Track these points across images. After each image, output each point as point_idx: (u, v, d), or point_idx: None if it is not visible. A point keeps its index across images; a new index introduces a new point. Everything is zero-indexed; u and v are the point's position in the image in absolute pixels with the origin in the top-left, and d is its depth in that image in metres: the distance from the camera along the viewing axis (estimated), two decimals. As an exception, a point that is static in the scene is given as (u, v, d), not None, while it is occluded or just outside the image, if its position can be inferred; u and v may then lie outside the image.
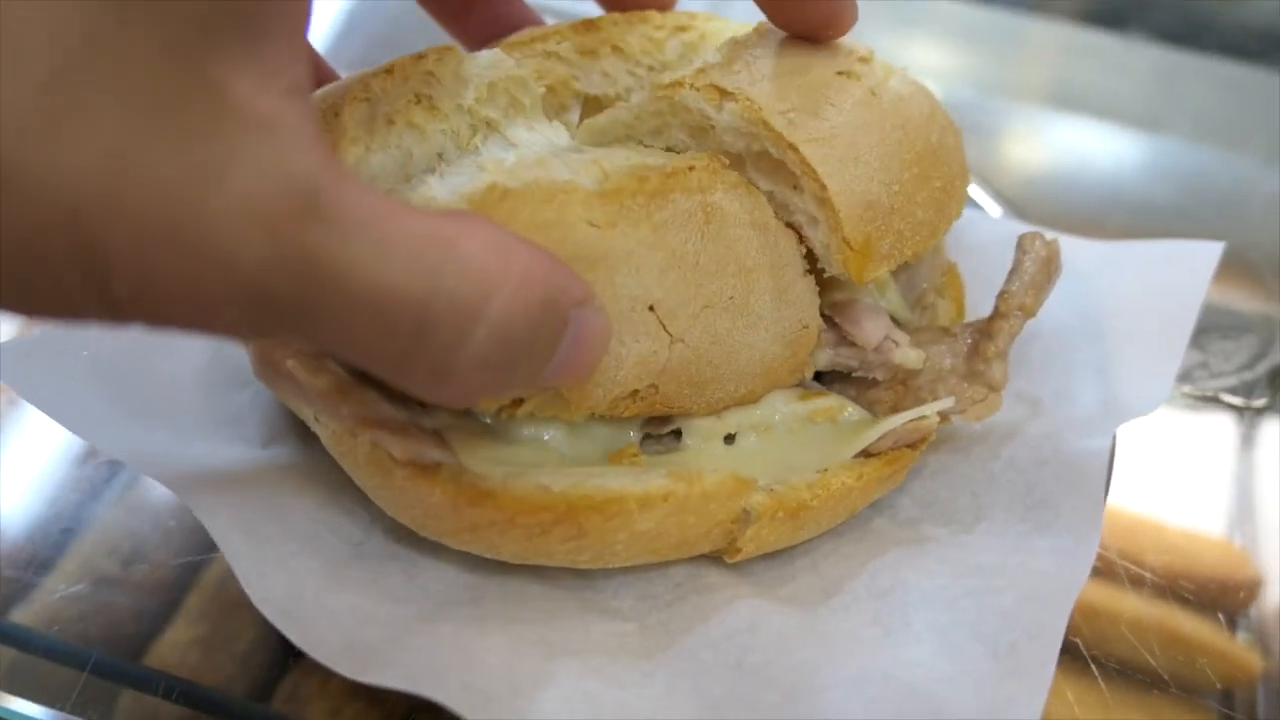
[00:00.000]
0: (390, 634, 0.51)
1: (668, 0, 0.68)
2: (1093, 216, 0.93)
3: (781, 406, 0.60)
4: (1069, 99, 1.13)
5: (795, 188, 0.56)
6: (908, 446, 0.60)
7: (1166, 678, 0.61)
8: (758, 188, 0.57)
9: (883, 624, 0.55)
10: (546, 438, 0.56)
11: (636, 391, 0.52)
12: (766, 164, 0.57)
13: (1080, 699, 0.60)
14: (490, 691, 0.48)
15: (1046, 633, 0.52)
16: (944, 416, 0.60)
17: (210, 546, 0.59)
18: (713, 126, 0.57)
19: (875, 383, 0.62)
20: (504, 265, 0.39)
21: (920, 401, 0.61)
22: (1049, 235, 0.61)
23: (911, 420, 0.59)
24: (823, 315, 0.62)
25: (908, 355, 0.60)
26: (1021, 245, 0.60)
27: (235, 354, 0.63)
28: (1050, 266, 0.60)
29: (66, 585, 0.61)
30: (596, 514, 0.51)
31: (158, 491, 0.63)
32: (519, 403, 0.51)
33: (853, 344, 0.61)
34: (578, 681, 0.51)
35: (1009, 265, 0.63)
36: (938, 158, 0.60)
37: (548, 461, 0.54)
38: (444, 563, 0.57)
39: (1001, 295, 0.60)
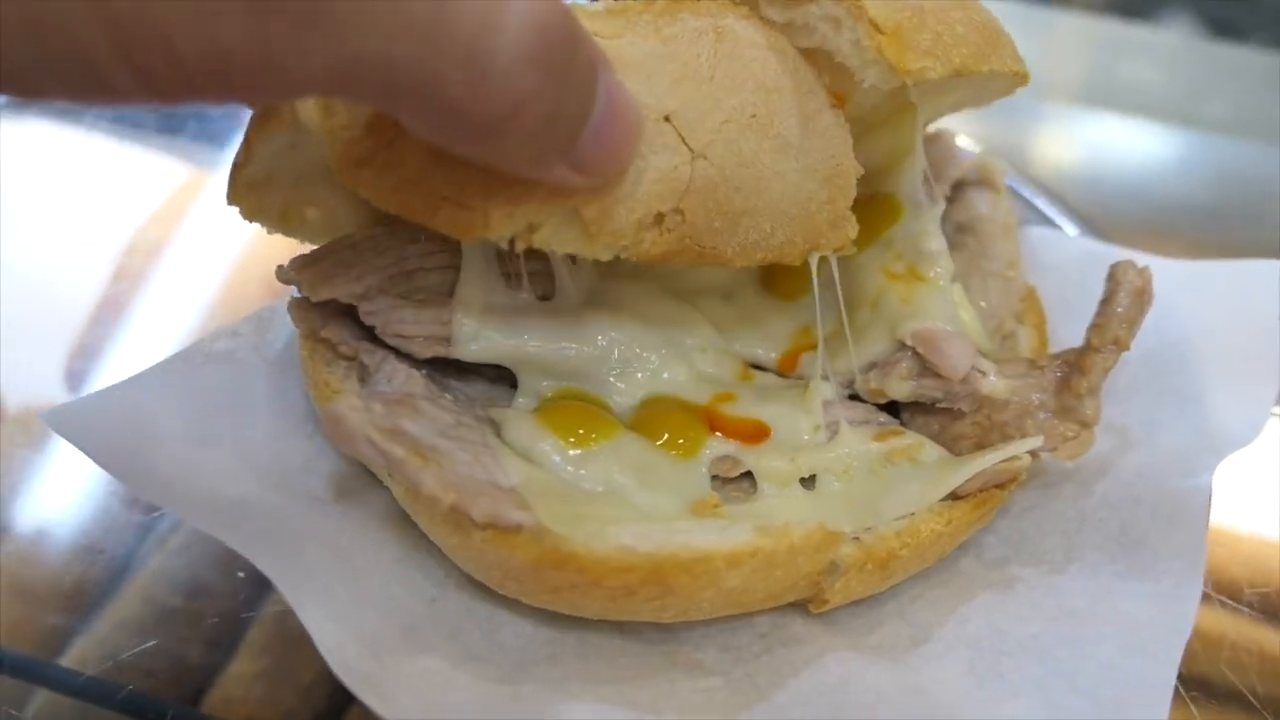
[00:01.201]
0: (471, 699, 0.50)
1: None
2: (1119, 213, 0.90)
3: (856, 446, 0.58)
4: (1099, 92, 1.10)
5: (809, 1, 0.54)
6: (996, 487, 0.58)
7: (1264, 699, 0.59)
8: (770, 22, 0.55)
9: (977, 674, 0.53)
10: (617, 486, 0.54)
11: (662, 216, 0.48)
12: None
13: None
14: (579, 760, 0.47)
15: (1154, 688, 0.50)
16: (1033, 454, 0.58)
17: (269, 583, 0.59)
18: None
19: (959, 416, 0.60)
20: None
21: (1006, 438, 0.58)
22: (1140, 263, 0.58)
23: (1002, 460, 0.56)
24: (904, 345, 0.60)
25: (996, 386, 0.58)
26: (1114, 276, 0.58)
27: (302, 402, 0.62)
28: (1143, 298, 0.57)
29: (128, 623, 0.61)
30: (684, 574, 0.50)
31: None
32: (534, 229, 0.48)
33: (937, 375, 0.59)
34: None
35: (1089, 288, 0.60)
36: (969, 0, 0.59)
37: (626, 516, 0.52)
38: (521, 616, 0.55)
39: (1094, 328, 0.57)
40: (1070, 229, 0.84)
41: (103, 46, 0.33)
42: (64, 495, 0.68)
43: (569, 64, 0.40)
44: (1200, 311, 0.67)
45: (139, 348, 0.78)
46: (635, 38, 0.49)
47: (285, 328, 0.66)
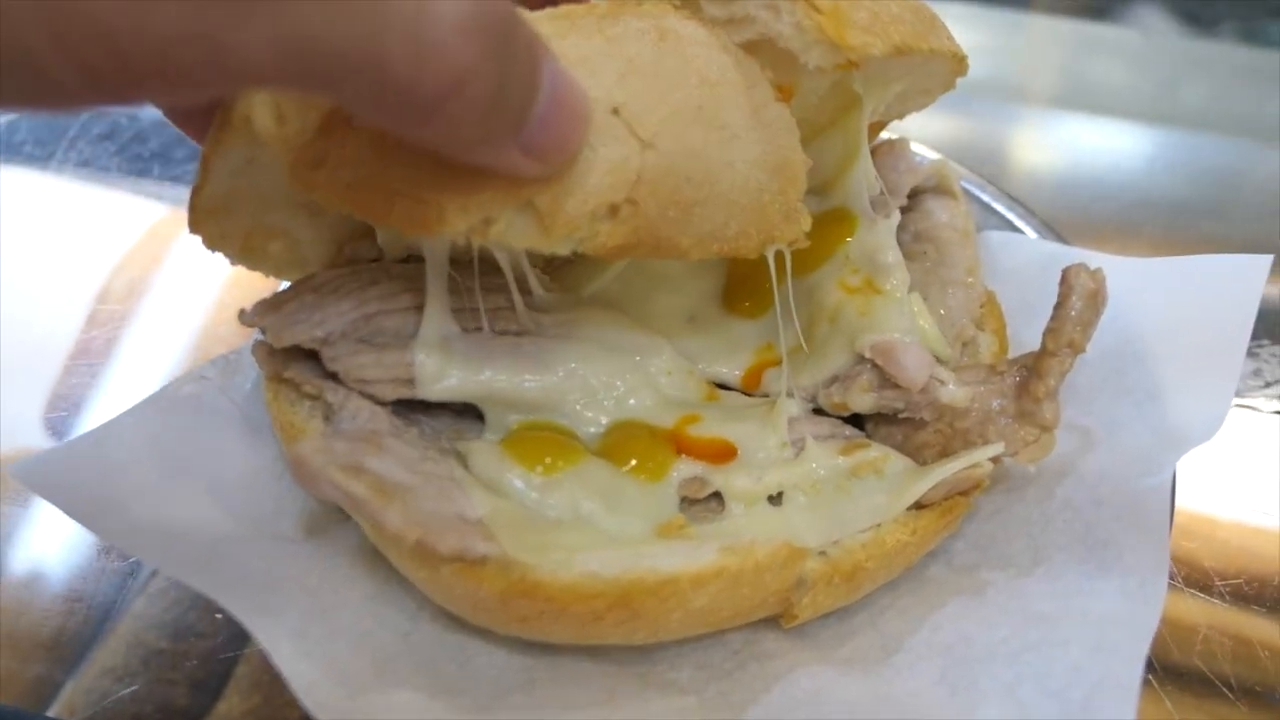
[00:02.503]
0: None
1: None
2: (1096, 212, 0.91)
3: (824, 460, 0.59)
4: (1073, 94, 1.11)
5: None
6: (960, 494, 0.59)
7: (1235, 682, 0.60)
8: (713, 20, 0.56)
9: (949, 682, 0.54)
10: (583, 512, 0.55)
11: (616, 207, 0.49)
12: None
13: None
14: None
15: (1121, 685, 0.50)
16: (996, 460, 0.59)
17: None
18: None
19: (922, 425, 0.61)
20: None
21: (969, 444, 0.59)
22: (1093, 264, 0.59)
23: (963, 468, 0.57)
24: (863, 358, 0.61)
25: (955, 394, 0.59)
26: (1066, 279, 0.58)
27: (271, 442, 0.63)
28: (1097, 299, 0.58)
29: (114, 667, 0.61)
30: (650, 597, 0.50)
31: None
32: (489, 222, 0.48)
33: (896, 386, 0.60)
34: None
35: (1048, 290, 0.61)
36: None
37: (593, 541, 0.53)
38: (495, 646, 0.56)
39: (1049, 332, 0.58)
40: (1029, 232, 0.85)
41: (47, 46, 0.34)
42: (45, 544, 0.68)
43: (509, 40, 0.41)
44: (1159, 309, 0.68)
45: (117, 394, 0.79)
46: (579, 38, 0.50)
47: (253, 369, 0.66)
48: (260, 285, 0.76)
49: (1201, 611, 0.64)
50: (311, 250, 0.63)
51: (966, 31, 0.65)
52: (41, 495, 0.55)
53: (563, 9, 0.53)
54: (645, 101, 0.50)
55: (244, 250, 0.61)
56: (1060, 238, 0.84)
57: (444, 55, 0.38)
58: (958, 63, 0.63)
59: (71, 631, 0.63)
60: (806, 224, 0.55)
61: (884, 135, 0.75)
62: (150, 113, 0.99)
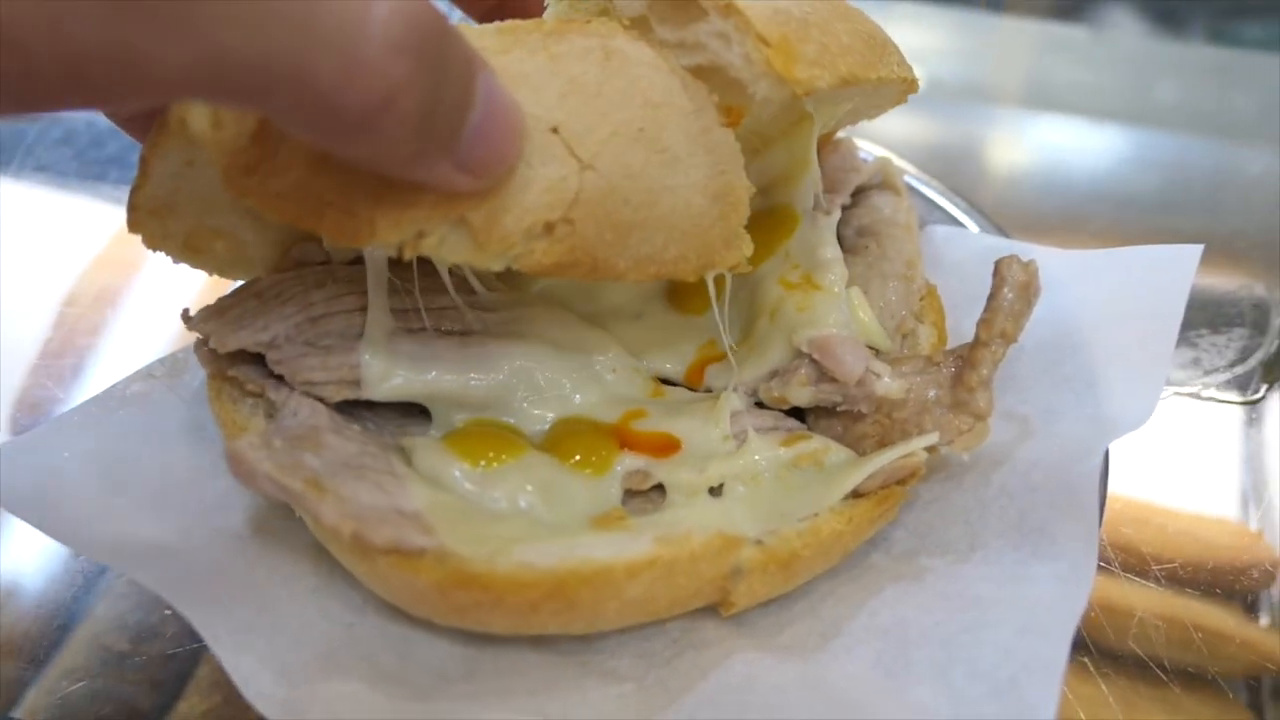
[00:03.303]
0: (388, 716, 0.51)
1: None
2: (1076, 215, 0.92)
3: (765, 453, 0.60)
4: (1046, 95, 1.12)
5: (698, 19, 0.56)
6: (897, 483, 0.60)
7: (1187, 668, 0.61)
8: (663, 42, 0.57)
9: (884, 665, 0.55)
10: (524, 505, 0.55)
11: (551, 225, 0.49)
12: (667, 8, 0.57)
13: (1090, 701, 0.59)
14: (490, 773, 0.48)
15: (1047, 665, 0.51)
16: (931, 449, 0.60)
17: None
18: (611, 1, 0.57)
19: (860, 417, 0.62)
20: None
21: (906, 434, 0.60)
22: (1026, 256, 0.60)
23: (899, 458, 0.58)
24: (801, 353, 0.62)
25: (890, 387, 0.60)
26: (999, 271, 0.59)
27: (219, 440, 0.63)
28: (1029, 291, 0.59)
29: (75, 671, 0.61)
30: (584, 587, 0.51)
31: None
32: (422, 236, 0.48)
33: (834, 379, 0.61)
34: None
35: (988, 279, 0.62)
36: (848, 9, 0.61)
37: (531, 533, 0.54)
38: (437, 638, 0.56)
39: (981, 323, 0.59)
40: (973, 226, 0.86)
41: None
42: (8, 546, 0.69)
43: (441, 56, 0.41)
44: (1094, 299, 0.69)
45: (82, 395, 0.79)
46: (523, 54, 0.51)
47: (199, 367, 0.67)
48: (224, 287, 0.76)
49: (1138, 596, 0.66)
50: (256, 250, 0.63)
51: (935, 33, 0.66)
52: None
53: (509, 24, 0.53)
54: (586, 121, 0.50)
55: (186, 249, 0.61)
56: (1003, 232, 0.85)
57: (372, 71, 0.38)
58: (907, 85, 0.64)
59: (34, 634, 0.63)
60: (748, 250, 0.56)
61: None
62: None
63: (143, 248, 0.59)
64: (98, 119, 1.02)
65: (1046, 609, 0.54)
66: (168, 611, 0.63)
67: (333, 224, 0.48)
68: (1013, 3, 1.27)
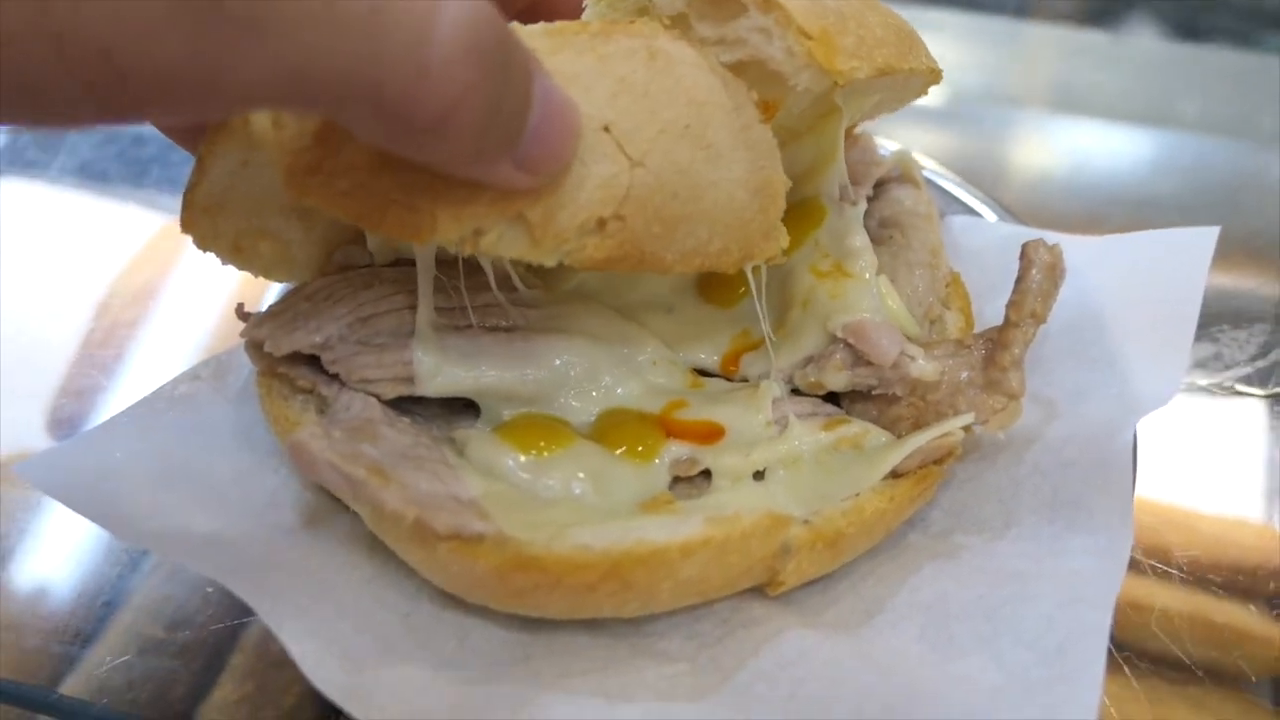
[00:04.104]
0: (450, 700, 0.52)
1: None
2: (1097, 216, 0.94)
3: (806, 437, 0.61)
4: (1070, 100, 1.14)
5: (737, 15, 0.58)
6: (934, 463, 0.61)
7: (1210, 668, 0.62)
8: (704, 39, 0.58)
9: (929, 639, 0.56)
10: (577, 492, 0.57)
11: (604, 222, 0.51)
12: (706, 5, 0.58)
13: (1117, 697, 0.60)
14: (559, 749, 0.49)
15: (1092, 632, 0.53)
16: (966, 429, 0.61)
17: (248, 608, 0.62)
18: (651, 1, 0.59)
19: (895, 400, 0.63)
20: None
21: (941, 416, 0.62)
22: (1050, 240, 0.62)
23: (935, 438, 0.60)
24: (836, 338, 0.63)
25: (924, 368, 0.61)
26: (1025, 253, 0.61)
27: (265, 438, 0.64)
28: (1055, 272, 0.61)
29: (113, 655, 0.62)
30: (640, 567, 0.52)
31: None
32: (481, 233, 0.49)
33: (869, 363, 0.62)
34: None
35: (1010, 269, 0.64)
36: (878, 4, 0.63)
37: (584, 518, 0.55)
38: (492, 624, 0.58)
39: (1011, 304, 0.61)
40: (990, 215, 0.88)
41: (49, 61, 0.34)
42: (51, 538, 0.70)
43: (504, 60, 0.42)
44: (1115, 282, 0.71)
45: (121, 396, 0.80)
46: (572, 55, 0.52)
47: (243, 368, 0.68)
48: (259, 287, 0.78)
49: (1162, 593, 0.67)
50: (301, 252, 0.64)
51: (959, 40, 0.68)
52: (46, 491, 0.56)
53: (556, 25, 0.55)
54: (635, 120, 0.52)
55: (234, 250, 0.62)
56: (1020, 221, 0.87)
57: (442, 77, 0.39)
58: (933, 75, 0.66)
59: (75, 618, 0.65)
60: (784, 242, 0.57)
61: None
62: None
63: (181, 245, 0.60)
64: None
65: (1086, 581, 0.56)
66: (203, 602, 0.65)
67: (396, 221, 0.49)
68: (1037, 9, 1.30)
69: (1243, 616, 0.65)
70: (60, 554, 0.69)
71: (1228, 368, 0.79)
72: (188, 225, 0.59)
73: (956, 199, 0.89)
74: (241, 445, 0.64)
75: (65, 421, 0.78)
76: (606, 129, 0.51)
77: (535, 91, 0.45)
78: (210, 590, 0.65)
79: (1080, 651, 0.52)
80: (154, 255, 0.92)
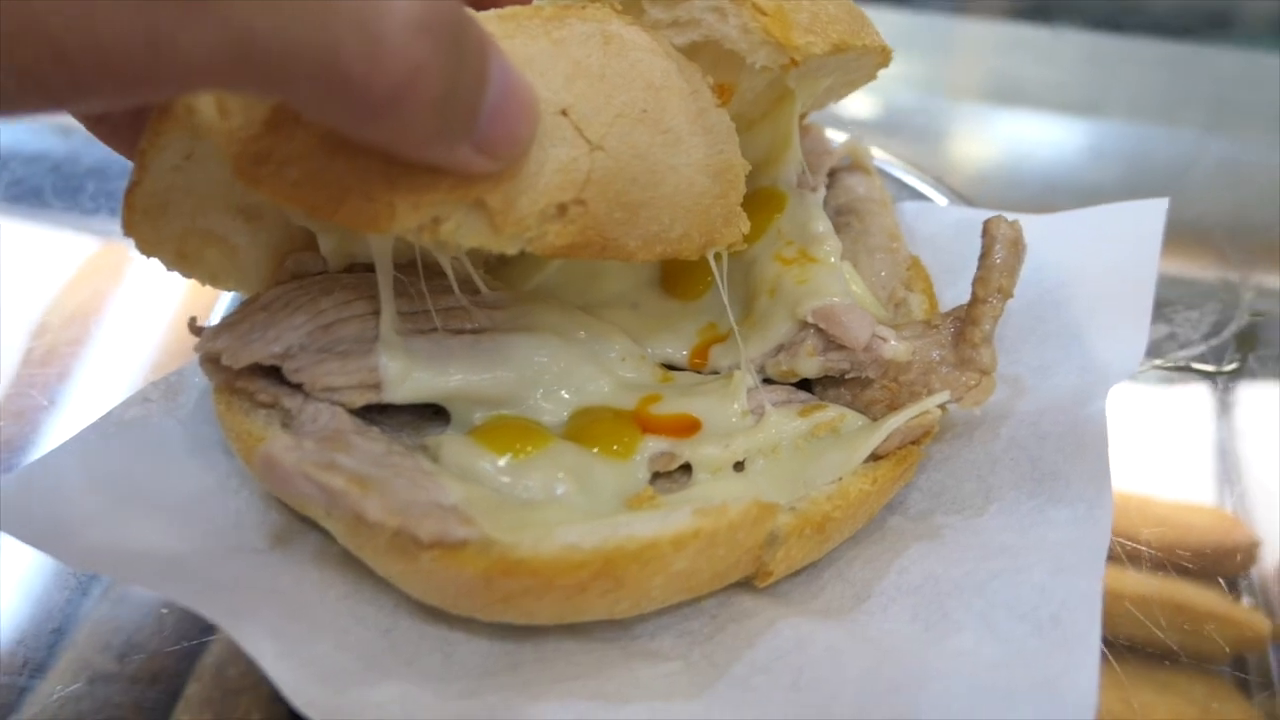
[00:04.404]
0: (440, 715, 0.50)
1: None
2: (1037, 204, 0.96)
3: (784, 425, 0.61)
4: (1006, 93, 1.17)
5: None
6: (913, 443, 0.61)
7: (1176, 649, 0.62)
8: (657, 23, 0.58)
9: (922, 619, 0.56)
10: (560, 492, 0.55)
11: (565, 207, 0.50)
12: None
13: None
14: (560, 756, 0.48)
15: (1084, 600, 0.53)
16: (942, 408, 0.61)
17: (204, 631, 0.61)
18: None
19: (868, 383, 0.63)
20: None
21: (915, 396, 0.62)
22: (1010, 217, 0.63)
23: (913, 417, 0.60)
24: (806, 324, 0.63)
25: (897, 349, 0.61)
26: (988, 230, 0.62)
27: (223, 459, 0.62)
28: (1018, 247, 0.61)
29: (63, 686, 0.59)
30: (632, 563, 0.51)
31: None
32: (440, 221, 0.48)
33: (841, 346, 0.62)
34: None
35: (964, 251, 0.64)
36: None
37: (569, 518, 0.53)
38: (478, 636, 0.56)
39: (978, 281, 0.61)
40: (940, 199, 0.89)
41: None
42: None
43: (459, 36, 0.41)
44: (1070, 257, 0.72)
45: (63, 417, 0.77)
46: (526, 39, 0.52)
47: (194, 388, 0.65)
48: (205, 304, 0.74)
49: (1124, 579, 0.67)
50: (248, 258, 0.62)
51: (895, 35, 0.69)
52: None
53: (508, 10, 0.54)
54: (593, 103, 0.51)
55: (178, 256, 0.60)
56: (969, 203, 0.88)
57: (397, 52, 0.38)
58: (883, 55, 0.67)
59: (24, 650, 0.61)
60: (745, 227, 0.57)
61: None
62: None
63: (121, 263, 0.57)
64: (73, 132, 1.01)
65: (1072, 549, 0.56)
66: (162, 614, 0.62)
67: (352, 211, 0.47)
68: (972, 6, 1.33)
69: (1204, 598, 0.66)
70: (6, 582, 0.65)
71: (1183, 347, 0.81)
72: (129, 228, 0.57)
73: (906, 185, 0.90)
74: (200, 467, 0.61)
75: (5, 444, 0.74)
76: (564, 112, 0.50)
77: (492, 70, 0.44)
78: (165, 612, 0.62)
79: (1075, 620, 0.52)
80: (93, 274, 0.88)
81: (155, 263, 0.60)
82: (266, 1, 0.35)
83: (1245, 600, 0.66)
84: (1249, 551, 0.70)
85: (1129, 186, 1.02)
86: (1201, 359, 0.81)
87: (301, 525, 0.60)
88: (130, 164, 0.55)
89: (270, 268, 0.63)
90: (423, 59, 0.39)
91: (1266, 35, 1.39)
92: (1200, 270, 0.89)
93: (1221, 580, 0.67)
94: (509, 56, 0.46)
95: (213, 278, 0.62)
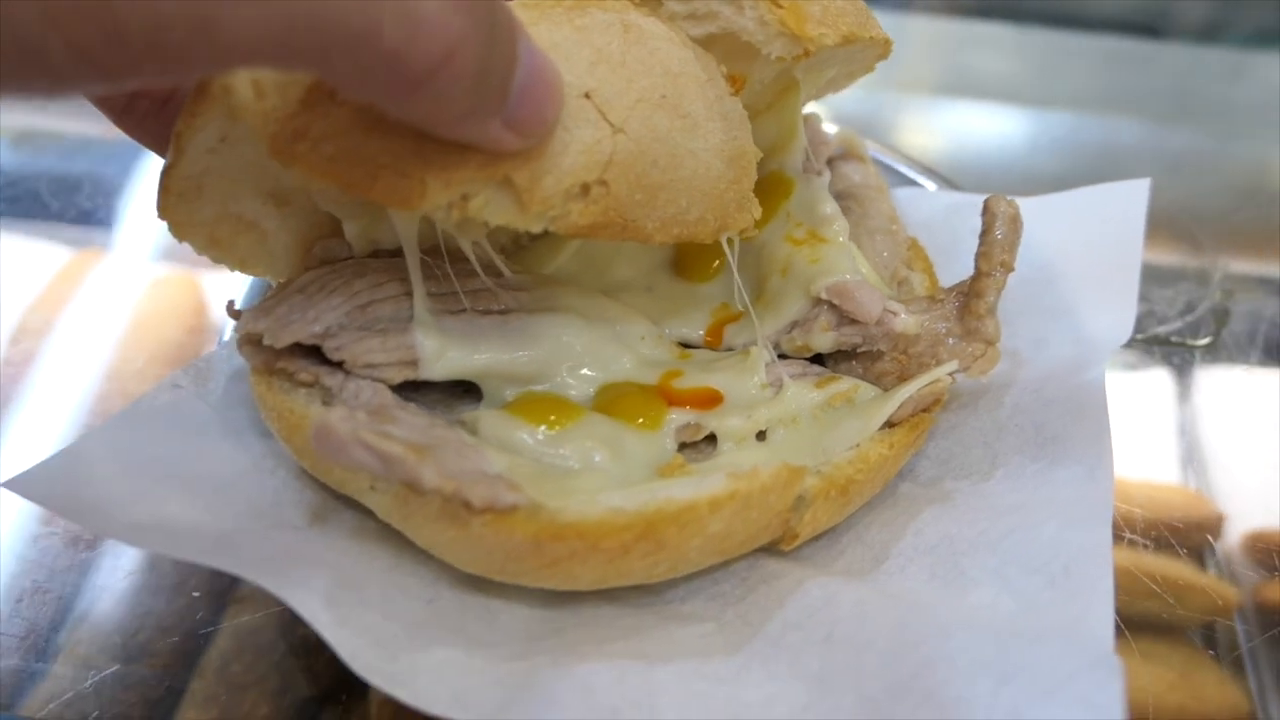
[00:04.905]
0: (493, 677, 0.52)
1: None
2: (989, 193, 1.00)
3: (803, 396, 0.63)
4: (954, 86, 1.21)
5: None
6: (924, 410, 0.64)
7: (1155, 619, 0.66)
8: (674, 14, 0.61)
9: (940, 577, 0.58)
10: (597, 460, 0.57)
11: (588, 187, 0.52)
12: None
13: None
14: (616, 706, 0.49)
15: (1095, 550, 0.56)
16: (950, 377, 0.64)
17: (206, 623, 0.63)
18: None
19: (879, 356, 0.66)
20: None
21: (924, 367, 0.65)
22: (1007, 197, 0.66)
23: (926, 385, 0.62)
24: (820, 301, 0.66)
25: (908, 323, 0.64)
26: (989, 208, 0.65)
27: (256, 441, 0.63)
28: (1016, 223, 0.65)
29: (67, 684, 0.60)
30: (672, 525, 0.53)
31: (137, 580, 0.65)
32: (469, 198, 0.50)
33: (854, 321, 0.65)
34: (686, 684, 0.52)
35: (955, 232, 0.68)
36: None
37: (607, 485, 0.55)
38: (517, 603, 0.58)
39: (980, 256, 0.64)
40: (930, 186, 0.92)
41: (41, 27, 0.34)
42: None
43: (492, 16, 0.42)
44: (1059, 236, 0.76)
45: (35, 431, 0.77)
46: (550, 26, 0.54)
47: (221, 374, 0.66)
48: (179, 315, 0.74)
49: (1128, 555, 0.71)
50: (277, 243, 0.63)
51: None
52: (42, 504, 0.54)
53: (532, 0, 0.56)
54: (614, 88, 0.53)
55: (211, 240, 0.61)
56: (958, 189, 0.92)
57: (435, 29, 0.39)
58: (885, 47, 0.70)
59: (22, 654, 0.62)
60: (757, 212, 0.59)
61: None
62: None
63: (84, 276, 0.57)
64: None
65: (1078, 505, 0.59)
66: (158, 631, 0.63)
67: (385, 187, 0.49)
68: (920, 3, 1.37)
69: (1176, 569, 0.70)
70: (9, 580, 0.66)
71: (1161, 323, 0.86)
72: (164, 211, 0.58)
73: (898, 172, 0.94)
74: (234, 448, 0.62)
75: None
76: (587, 95, 0.52)
77: (520, 50, 0.46)
78: (163, 618, 0.63)
79: (1086, 570, 0.55)
80: (66, 290, 0.88)
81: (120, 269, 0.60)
82: None
83: (1211, 571, 0.70)
84: (1215, 526, 0.74)
85: (1073, 176, 1.07)
86: (1179, 334, 0.85)
87: (336, 504, 0.61)
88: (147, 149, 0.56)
89: (298, 253, 0.65)
90: (459, 36, 0.40)
91: (1200, 35, 1.45)
92: (1168, 253, 0.94)
93: (1186, 552, 0.71)
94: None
95: (242, 263, 0.63)
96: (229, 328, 0.77)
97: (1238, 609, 0.68)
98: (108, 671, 0.61)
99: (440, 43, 0.40)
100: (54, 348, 0.83)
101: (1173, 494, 0.76)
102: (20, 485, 0.54)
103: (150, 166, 0.97)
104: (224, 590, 0.66)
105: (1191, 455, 0.78)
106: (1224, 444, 0.79)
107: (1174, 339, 0.84)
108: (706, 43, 0.62)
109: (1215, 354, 0.85)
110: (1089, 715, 0.45)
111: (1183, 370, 0.83)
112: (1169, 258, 0.94)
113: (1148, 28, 1.42)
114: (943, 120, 1.15)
